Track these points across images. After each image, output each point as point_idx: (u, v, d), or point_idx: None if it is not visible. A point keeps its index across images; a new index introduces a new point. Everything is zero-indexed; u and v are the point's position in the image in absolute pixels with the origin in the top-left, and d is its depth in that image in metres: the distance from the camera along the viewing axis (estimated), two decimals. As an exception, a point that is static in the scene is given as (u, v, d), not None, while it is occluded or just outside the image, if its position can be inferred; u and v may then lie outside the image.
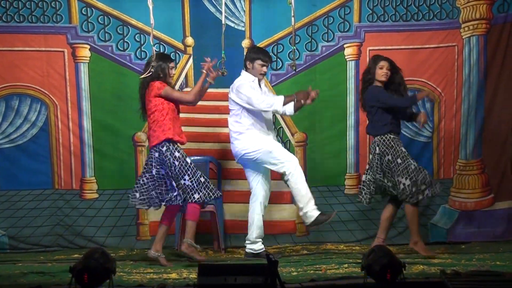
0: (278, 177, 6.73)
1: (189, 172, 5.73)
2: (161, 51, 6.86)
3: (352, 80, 7.00)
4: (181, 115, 6.32)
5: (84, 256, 4.40)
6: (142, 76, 5.89)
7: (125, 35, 6.91)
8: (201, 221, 6.92)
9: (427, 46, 7.04)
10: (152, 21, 5.97)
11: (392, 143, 5.94)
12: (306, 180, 6.90)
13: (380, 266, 4.33)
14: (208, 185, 5.79)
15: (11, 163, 6.82)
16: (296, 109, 6.04)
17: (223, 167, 6.87)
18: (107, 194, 6.92)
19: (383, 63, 6.05)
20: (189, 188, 5.71)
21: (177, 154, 5.76)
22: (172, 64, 5.95)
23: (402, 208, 6.18)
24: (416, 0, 7.03)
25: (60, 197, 6.86)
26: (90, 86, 6.89)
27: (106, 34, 6.89)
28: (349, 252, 6.45)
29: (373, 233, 6.57)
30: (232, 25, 6.94)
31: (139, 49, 6.92)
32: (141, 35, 6.90)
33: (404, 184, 5.85)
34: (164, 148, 5.75)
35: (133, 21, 6.90)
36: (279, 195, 6.75)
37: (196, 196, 5.71)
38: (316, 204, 6.02)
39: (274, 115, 6.38)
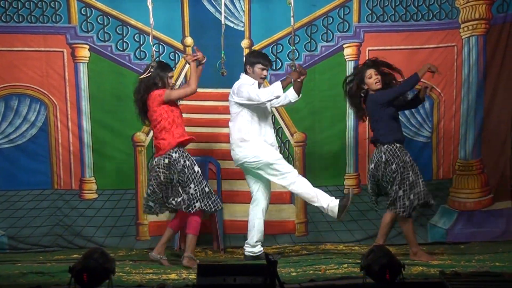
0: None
1: (195, 181, 5.74)
2: (161, 51, 6.87)
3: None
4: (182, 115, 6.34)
5: (83, 256, 4.40)
6: (141, 77, 5.88)
7: (124, 35, 6.91)
8: (201, 221, 6.93)
9: (426, 46, 7.04)
10: (151, 21, 5.97)
11: (398, 152, 5.92)
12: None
13: (380, 266, 4.34)
14: (211, 196, 5.79)
15: (11, 163, 6.82)
16: (298, 90, 6.04)
17: (222, 167, 6.86)
18: (107, 194, 6.92)
19: (369, 72, 6.01)
20: (192, 196, 5.71)
21: (187, 162, 5.76)
22: (171, 74, 5.94)
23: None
24: (415, 0, 7.03)
25: (60, 197, 6.86)
26: (90, 86, 6.88)
27: (106, 34, 6.89)
28: (349, 252, 6.45)
29: (373, 233, 6.58)
30: (232, 25, 6.93)
31: (139, 49, 6.92)
32: (141, 35, 6.89)
33: (396, 193, 5.85)
34: (176, 154, 5.75)
35: (133, 21, 6.89)
36: (279, 195, 6.75)
37: (198, 204, 5.70)
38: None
39: (273, 117, 6.34)
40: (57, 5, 6.82)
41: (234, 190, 6.93)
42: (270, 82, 6.85)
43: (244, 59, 6.32)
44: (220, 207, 5.92)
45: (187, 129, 6.22)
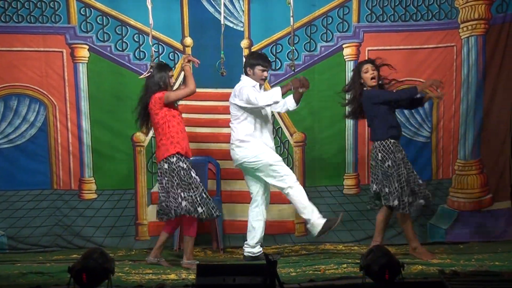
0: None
1: (193, 186, 5.74)
2: (160, 51, 6.87)
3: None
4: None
5: (82, 256, 4.40)
6: (142, 77, 5.88)
7: (123, 35, 6.91)
8: (200, 221, 6.93)
9: (425, 46, 7.04)
10: (151, 21, 5.99)
11: (392, 147, 5.94)
12: (304, 180, 6.96)
13: (379, 266, 4.34)
14: (209, 202, 5.78)
15: (10, 163, 6.81)
16: (297, 100, 6.04)
17: (222, 167, 6.86)
18: (106, 194, 6.91)
19: (366, 66, 6.05)
20: (193, 201, 5.70)
21: (184, 166, 5.76)
22: (171, 73, 5.95)
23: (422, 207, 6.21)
24: (415, 1, 7.03)
25: (59, 198, 6.86)
26: (89, 86, 6.88)
27: (105, 35, 6.89)
28: (348, 252, 6.45)
29: (372, 233, 6.56)
30: (231, 25, 6.93)
31: (138, 49, 6.92)
32: (140, 35, 6.89)
33: (391, 187, 5.86)
34: (174, 159, 5.75)
35: (132, 21, 6.89)
36: (278, 195, 6.72)
37: (199, 209, 5.71)
38: (320, 212, 6.00)
39: (273, 118, 6.34)
40: (57, 5, 6.82)
41: (234, 190, 6.93)
42: (270, 82, 6.85)
43: (244, 60, 6.31)
44: (219, 214, 5.93)
45: (186, 129, 6.22)
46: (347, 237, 6.98)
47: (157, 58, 6.65)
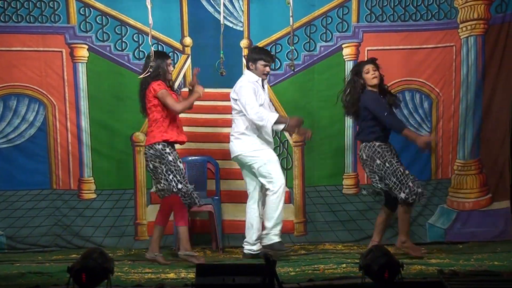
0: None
1: (177, 172, 5.76)
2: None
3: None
4: (180, 115, 6.32)
5: (82, 256, 4.40)
6: (141, 76, 5.88)
7: (123, 35, 6.91)
8: (199, 221, 6.95)
9: (425, 46, 7.04)
10: (150, 21, 5.96)
11: (378, 149, 5.96)
12: (304, 179, 6.96)
13: (378, 266, 4.34)
14: (193, 194, 5.80)
15: (9, 163, 6.81)
16: (287, 131, 6.02)
17: (221, 167, 6.86)
18: (105, 194, 6.91)
19: (367, 67, 6.06)
20: (173, 181, 5.73)
21: (170, 158, 5.77)
22: (169, 61, 5.97)
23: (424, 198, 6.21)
24: (414, 1, 7.03)
25: (58, 197, 6.86)
26: (88, 86, 6.88)
27: (104, 34, 6.89)
28: (347, 252, 6.45)
29: (371, 233, 6.56)
30: (231, 25, 6.93)
31: (137, 49, 6.92)
32: (139, 35, 6.89)
33: (395, 183, 5.88)
34: (160, 146, 5.77)
35: (131, 21, 6.89)
36: (277, 195, 6.74)
37: (180, 186, 5.74)
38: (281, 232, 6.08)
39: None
40: (56, 5, 6.81)
41: (233, 190, 6.92)
42: (269, 82, 6.85)
43: (246, 55, 6.31)
44: (201, 203, 5.93)
45: (186, 128, 6.23)
46: (346, 237, 6.98)
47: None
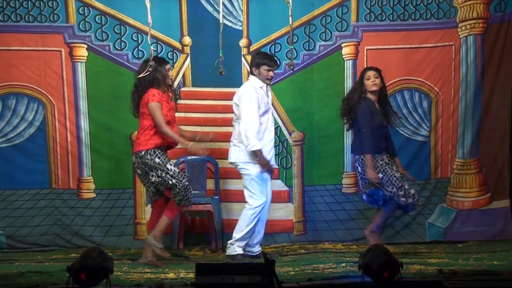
0: (275, 176, 6.75)
1: (168, 172, 5.75)
2: (159, 50, 6.87)
3: (350, 79, 6.99)
4: (179, 114, 6.33)
5: (81, 255, 4.40)
6: (139, 76, 5.87)
7: (122, 34, 6.90)
8: (199, 220, 6.95)
9: (424, 45, 7.04)
10: (149, 20, 5.95)
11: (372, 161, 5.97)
12: (303, 179, 6.96)
13: (378, 265, 4.34)
14: (187, 191, 5.79)
15: (8, 162, 6.81)
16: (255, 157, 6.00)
17: (221, 166, 6.86)
18: (105, 193, 6.91)
19: (369, 73, 6.09)
20: (165, 177, 5.73)
21: (157, 160, 5.77)
22: (168, 66, 5.94)
23: (406, 210, 6.21)
24: (413, 0, 7.03)
25: (58, 197, 6.86)
26: (87, 86, 6.88)
27: (103, 34, 6.89)
28: (347, 251, 6.45)
29: (370, 232, 6.57)
30: (230, 24, 6.93)
31: (137, 49, 6.92)
32: (139, 35, 6.89)
33: (391, 191, 5.91)
34: (144, 154, 5.78)
35: (131, 21, 6.89)
36: (276, 194, 6.74)
37: (173, 181, 5.73)
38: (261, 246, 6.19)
39: (273, 120, 6.32)
40: (55, 5, 6.81)
41: (232, 189, 6.92)
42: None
43: (249, 60, 6.28)
44: (189, 205, 5.92)
45: (185, 128, 6.22)
46: (346, 236, 6.98)
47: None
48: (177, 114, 6.17)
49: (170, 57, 6.90)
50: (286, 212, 7.02)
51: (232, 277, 4.22)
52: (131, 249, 6.74)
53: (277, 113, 6.90)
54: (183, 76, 6.99)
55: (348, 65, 7.00)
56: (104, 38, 6.89)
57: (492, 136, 7.09)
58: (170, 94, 5.98)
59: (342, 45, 7.04)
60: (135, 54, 6.91)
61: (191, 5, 6.93)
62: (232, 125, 6.18)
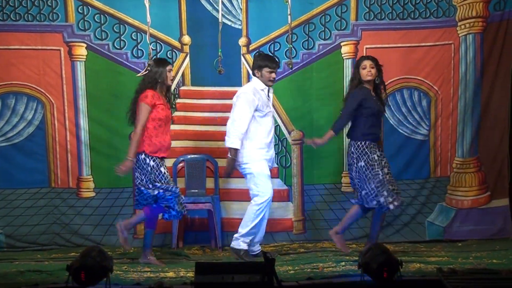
0: (275, 175, 6.76)
1: (163, 180, 5.74)
2: (158, 49, 6.86)
3: (349, 78, 6.98)
4: (178, 113, 6.32)
5: (81, 255, 4.40)
6: (139, 75, 5.87)
7: (121, 33, 6.90)
8: (198, 219, 6.95)
9: (423, 44, 7.04)
10: (148, 19, 5.98)
11: (366, 149, 5.96)
12: (302, 178, 6.96)
13: (377, 264, 4.34)
14: (180, 198, 5.81)
15: (8, 161, 6.81)
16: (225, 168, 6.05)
17: (220, 165, 6.85)
18: (104, 192, 6.91)
19: (365, 63, 6.07)
20: (162, 192, 5.73)
21: (152, 163, 5.76)
22: (169, 67, 5.92)
23: (401, 207, 6.20)
24: (412, -1, 7.05)
25: (57, 196, 6.86)
26: (87, 85, 6.87)
27: (103, 33, 6.88)
28: (346, 250, 6.45)
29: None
30: (229, 23, 6.93)
31: (136, 48, 6.91)
32: (138, 34, 6.89)
33: (367, 189, 5.92)
34: (142, 156, 5.76)
35: (130, 20, 6.88)
36: (276, 193, 6.72)
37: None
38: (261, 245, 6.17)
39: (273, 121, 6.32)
40: (54, 4, 6.81)
41: (232, 188, 6.92)
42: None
43: (250, 62, 6.27)
44: (185, 212, 5.94)
45: (184, 127, 6.23)
46: (345, 235, 6.94)
47: (154, 57, 6.64)
48: (176, 113, 6.18)
49: (169, 56, 6.90)
50: (286, 211, 7.02)
51: (232, 276, 4.22)
52: (131, 248, 6.73)
53: (276, 112, 6.90)
54: (182, 75, 6.98)
55: (348, 64, 7.00)
56: (103, 37, 6.88)
57: (491, 135, 7.09)
58: (166, 98, 5.93)
59: (342, 44, 7.04)
60: (134, 53, 6.91)
61: (190, 4, 6.92)
62: (231, 124, 6.18)
